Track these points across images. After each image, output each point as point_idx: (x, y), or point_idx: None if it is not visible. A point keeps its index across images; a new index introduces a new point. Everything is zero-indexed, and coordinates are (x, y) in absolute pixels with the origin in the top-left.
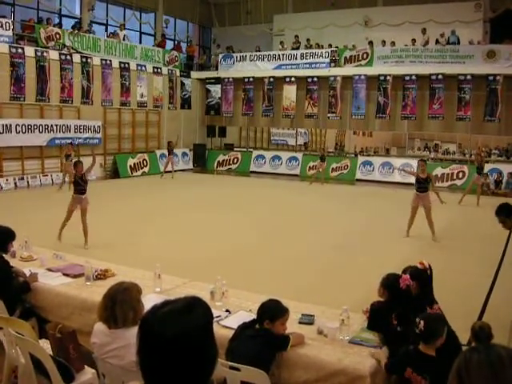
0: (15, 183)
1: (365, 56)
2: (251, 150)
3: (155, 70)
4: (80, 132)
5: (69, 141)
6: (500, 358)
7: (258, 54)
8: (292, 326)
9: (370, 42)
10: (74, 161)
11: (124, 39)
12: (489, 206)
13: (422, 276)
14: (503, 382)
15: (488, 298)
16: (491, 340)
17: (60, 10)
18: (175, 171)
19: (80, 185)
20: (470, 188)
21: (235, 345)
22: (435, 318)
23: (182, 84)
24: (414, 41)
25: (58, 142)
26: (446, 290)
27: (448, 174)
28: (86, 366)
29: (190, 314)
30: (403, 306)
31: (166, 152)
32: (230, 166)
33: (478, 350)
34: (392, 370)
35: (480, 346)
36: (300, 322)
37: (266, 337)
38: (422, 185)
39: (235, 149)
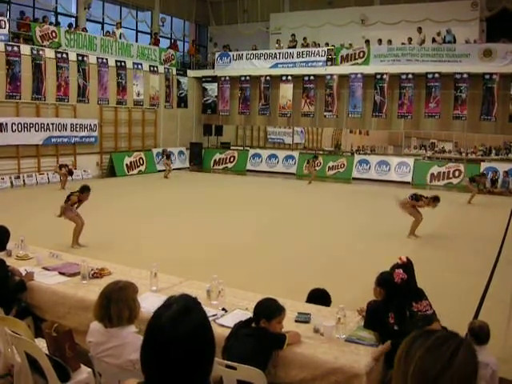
0: (11, 182)
1: (361, 55)
2: (248, 148)
3: (151, 68)
4: (76, 130)
5: (65, 139)
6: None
7: (254, 52)
8: (288, 325)
9: (367, 41)
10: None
11: (120, 37)
12: (483, 204)
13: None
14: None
15: (484, 296)
16: (489, 339)
17: (56, 8)
18: (169, 171)
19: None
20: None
21: (231, 343)
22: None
23: (179, 82)
24: (410, 39)
25: (54, 140)
26: (443, 288)
27: (444, 173)
28: (82, 365)
29: (191, 314)
30: (399, 301)
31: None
32: (227, 165)
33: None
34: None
35: (423, 332)
36: (296, 321)
37: (262, 335)
38: None
39: (232, 147)
